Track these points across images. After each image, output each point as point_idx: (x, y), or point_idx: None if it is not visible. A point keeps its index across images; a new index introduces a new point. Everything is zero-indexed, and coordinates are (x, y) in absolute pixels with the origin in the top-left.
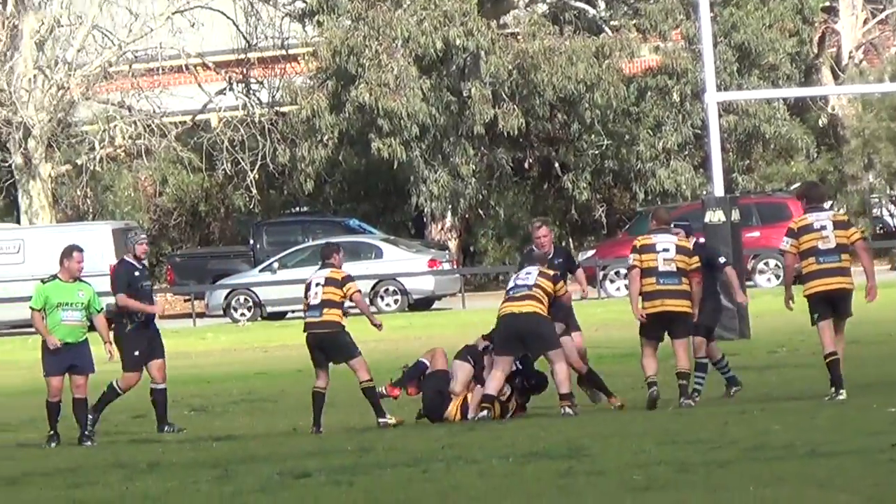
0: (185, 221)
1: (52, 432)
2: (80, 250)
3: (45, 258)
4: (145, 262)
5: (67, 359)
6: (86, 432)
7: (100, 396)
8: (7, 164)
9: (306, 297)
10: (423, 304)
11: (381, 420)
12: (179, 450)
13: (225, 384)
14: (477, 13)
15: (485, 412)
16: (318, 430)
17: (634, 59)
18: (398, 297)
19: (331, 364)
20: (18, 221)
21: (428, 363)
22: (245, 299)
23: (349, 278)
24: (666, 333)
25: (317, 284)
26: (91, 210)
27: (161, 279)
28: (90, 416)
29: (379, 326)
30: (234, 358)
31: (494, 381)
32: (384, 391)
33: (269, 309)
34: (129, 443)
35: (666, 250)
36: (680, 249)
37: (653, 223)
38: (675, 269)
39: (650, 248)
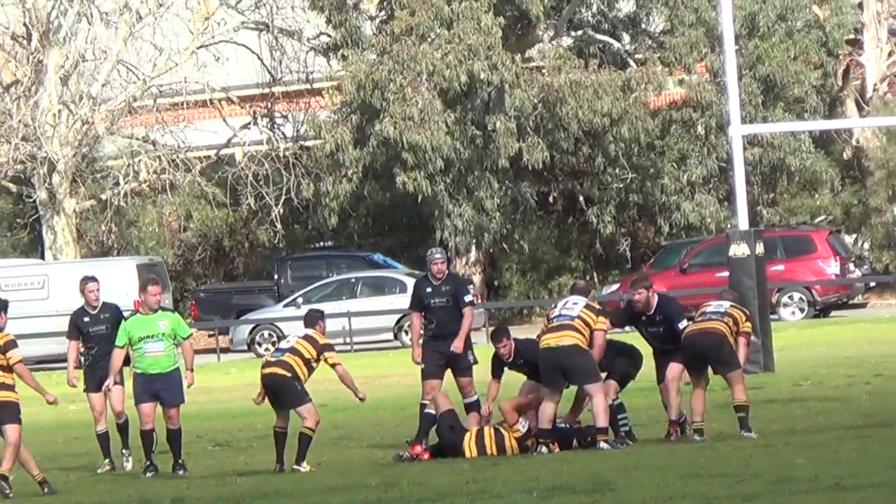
0: (210, 256)
1: (148, 462)
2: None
3: (69, 294)
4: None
5: (153, 388)
6: (180, 461)
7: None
8: (31, 200)
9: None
10: None
11: (296, 466)
12: (203, 485)
13: (249, 419)
14: (501, 47)
15: (544, 448)
16: (281, 468)
17: (659, 93)
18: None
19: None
20: (43, 257)
21: (434, 412)
22: (269, 334)
23: (330, 347)
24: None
25: (294, 336)
26: (115, 245)
27: (185, 314)
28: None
29: (363, 399)
30: (248, 394)
31: (546, 414)
32: (410, 454)
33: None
34: (153, 478)
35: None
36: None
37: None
38: None
39: None
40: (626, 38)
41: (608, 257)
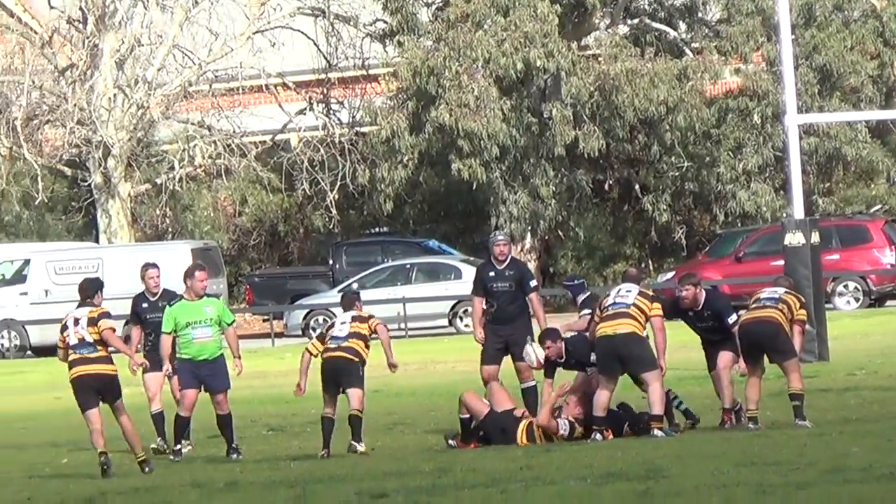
0: (265, 241)
1: (177, 447)
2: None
3: (124, 277)
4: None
5: (200, 375)
6: (233, 445)
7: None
8: (86, 184)
9: (327, 332)
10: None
11: (353, 442)
12: (257, 469)
13: (303, 404)
14: (557, 35)
15: (598, 435)
16: (327, 454)
17: (715, 82)
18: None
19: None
20: (97, 240)
21: (467, 415)
22: (324, 319)
23: (372, 315)
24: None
25: (342, 322)
26: (170, 229)
27: (240, 299)
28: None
29: (394, 366)
30: (312, 378)
31: (601, 402)
32: (454, 444)
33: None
34: (206, 462)
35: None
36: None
37: None
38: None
39: None
40: (683, 26)
41: (663, 245)
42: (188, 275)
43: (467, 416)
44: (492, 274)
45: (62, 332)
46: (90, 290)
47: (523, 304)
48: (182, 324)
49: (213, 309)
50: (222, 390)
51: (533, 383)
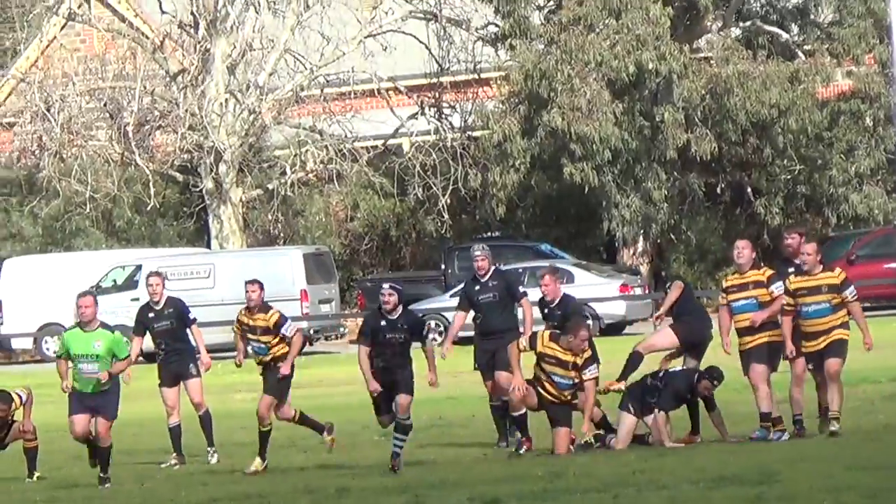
0: (377, 246)
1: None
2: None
3: (235, 283)
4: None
5: (89, 404)
6: (106, 476)
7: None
8: (198, 189)
9: None
10: (614, 329)
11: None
12: (369, 475)
13: (414, 409)
14: (669, 37)
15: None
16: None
17: (827, 84)
18: (590, 322)
19: None
20: (209, 246)
21: (522, 411)
22: (436, 324)
23: None
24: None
25: None
26: (282, 235)
27: (352, 304)
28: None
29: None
30: (423, 383)
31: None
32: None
33: (460, 334)
34: (318, 468)
35: None
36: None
37: None
38: None
39: None
40: (795, 28)
41: (776, 249)
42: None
43: (522, 411)
44: (476, 287)
45: None
46: None
47: (510, 319)
48: (73, 354)
49: (103, 344)
50: (109, 420)
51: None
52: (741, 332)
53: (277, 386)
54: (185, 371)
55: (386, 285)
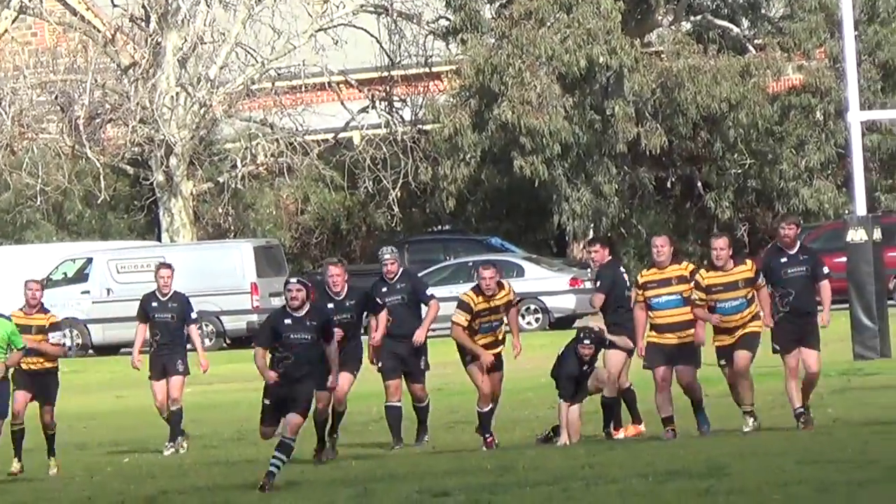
0: (327, 239)
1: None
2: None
3: (186, 276)
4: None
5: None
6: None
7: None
8: (149, 182)
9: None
10: (564, 322)
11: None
12: (318, 469)
13: (364, 402)
14: (620, 31)
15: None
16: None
17: (778, 78)
18: (539, 315)
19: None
20: (159, 239)
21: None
22: None
23: None
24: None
25: None
26: (232, 228)
27: None
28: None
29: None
30: (373, 376)
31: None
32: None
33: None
34: (267, 461)
35: None
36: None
37: None
38: None
39: None
40: (746, 23)
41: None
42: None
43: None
44: (384, 289)
45: None
46: None
47: (419, 322)
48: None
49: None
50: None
51: (425, 403)
52: (665, 329)
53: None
54: (172, 366)
55: (293, 280)
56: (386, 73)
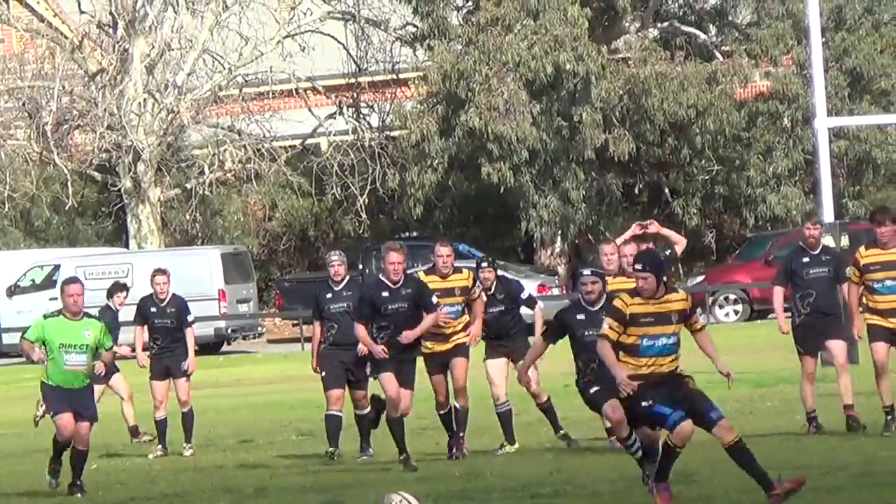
0: (294, 246)
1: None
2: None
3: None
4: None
5: (71, 401)
6: (78, 482)
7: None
8: (116, 188)
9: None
10: (533, 329)
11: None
12: (287, 475)
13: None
14: (587, 38)
15: None
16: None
17: (745, 85)
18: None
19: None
20: (127, 246)
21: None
22: None
23: None
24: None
25: None
26: (200, 234)
27: (270, 304)
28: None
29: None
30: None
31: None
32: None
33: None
34: (237, 467)
35: None
36: None
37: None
38: None
39: None
40: (713, 29)
41: (693, 249)
42: (61, 289)
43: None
44: (328, 295)
45: None
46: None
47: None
48: (54, 344)
49: (92, 333)
50: (91, 421)
51: (367, 410)
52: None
53: None
54: (176, 369)
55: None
56: (353, 80)
